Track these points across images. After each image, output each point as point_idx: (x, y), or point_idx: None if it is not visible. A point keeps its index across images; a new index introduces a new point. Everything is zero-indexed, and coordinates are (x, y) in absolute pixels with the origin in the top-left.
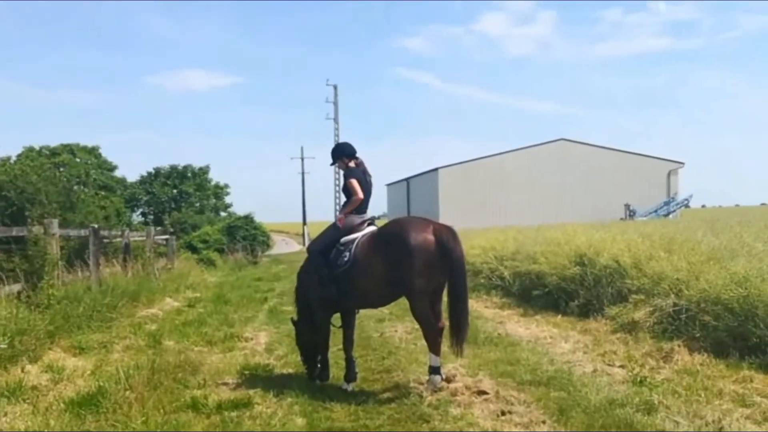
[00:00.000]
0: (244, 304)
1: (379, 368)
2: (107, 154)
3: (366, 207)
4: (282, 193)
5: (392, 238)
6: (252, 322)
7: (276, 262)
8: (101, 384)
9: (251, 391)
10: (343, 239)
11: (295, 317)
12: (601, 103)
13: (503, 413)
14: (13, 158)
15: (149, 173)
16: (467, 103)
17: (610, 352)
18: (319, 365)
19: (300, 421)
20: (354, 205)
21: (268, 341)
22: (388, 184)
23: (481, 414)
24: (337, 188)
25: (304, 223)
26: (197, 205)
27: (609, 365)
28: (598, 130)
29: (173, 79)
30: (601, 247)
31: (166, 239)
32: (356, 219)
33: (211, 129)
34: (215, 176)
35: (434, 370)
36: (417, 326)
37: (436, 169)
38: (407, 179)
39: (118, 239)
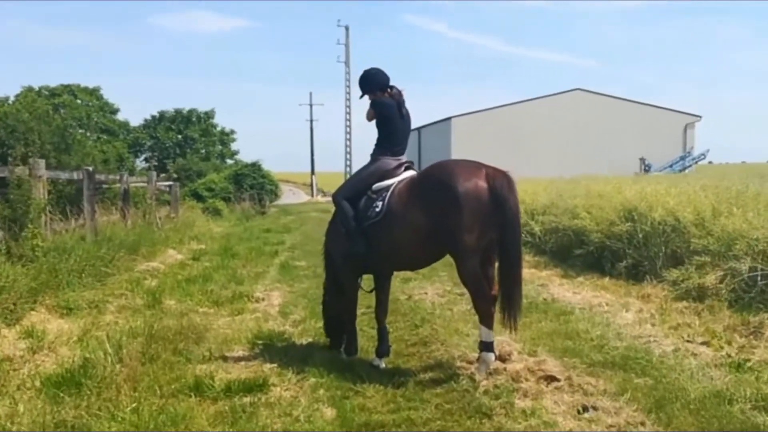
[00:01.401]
0: (253, 258)
1: (412, 339)
2: (109, 96)
3: (404, 147)
4: (289, 141)
5: (436, 184)
6: (262, 279)
7: (284, 212)
8: (87, 355)
9: (266, 368)
10: (375, 186)
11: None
12: (618, 56)
13: (585, 409)
14: (12, 99)
15: (153, 117)
16: (480, 52)
17: (684, 324)
18: (345, 336)
19: (329, 412)
20: None
21: (281, 302)
22: None
23: (557, 408)
24: (348, 137)
25: (312, 172)
26: (203, 151)
27: (688, 341)
28: (614, 84)
29: (179, 20)
30: (654, 201)
31: (170, 186)
32: (391, 161)
33: (217, 73)
34: (221, 122)
35: (486, 347)
36: (450, 288)
37: (449, 119)
38: (418, 129)
39: (117, 185)
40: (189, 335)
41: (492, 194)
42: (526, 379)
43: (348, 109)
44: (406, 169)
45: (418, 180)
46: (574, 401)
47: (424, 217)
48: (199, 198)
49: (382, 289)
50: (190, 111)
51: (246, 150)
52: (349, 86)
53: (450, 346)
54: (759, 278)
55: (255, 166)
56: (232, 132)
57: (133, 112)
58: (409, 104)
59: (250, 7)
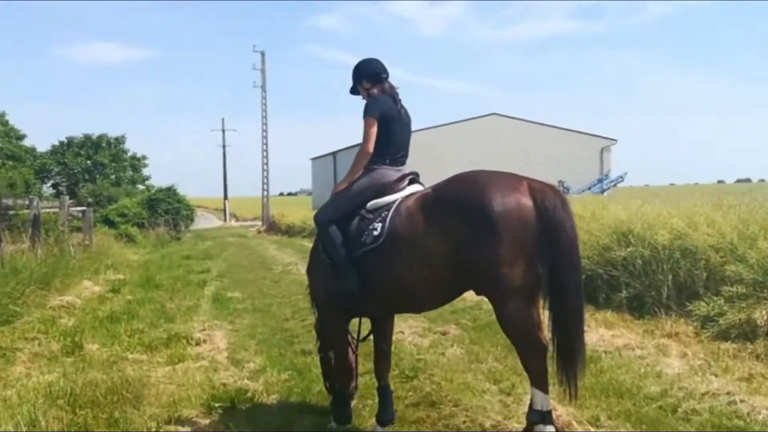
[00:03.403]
0: (179, 289)
1: (411, 397)
2: (15, 122)
3: (405, 154)
4: (202, 166)
5: (461, 201)
6: (196, 314)
7: (200, 238)
8: None
9: None
10: (371, 203)
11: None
12: (516, 85)
13: None
14: None
15: (61, 143)
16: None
17: (759, 375)
18: (337, 399)
19: None
20: (362, 163)
21: (228, 345)
22: (313, 159)
23: None
24: (266, 161)
25: (225, 197)
26: (113, 176)
27: None
28: (516, 112)
29: (81, 51)
30: (656, 222)
31: (83, 211)
32: (391, 172)
33: (127, 101)
34: (132, 147)
35: (543, 418)
36: (428, 326)
37: None
38: (334, 153)
39: (26, 210)
40: (123, 395)
41: (540, 215)
42: None
43: (265, 134)
44: (411, 182)
45: (435, 195)
46: None
47: (445, 245)
48: (110, 224)
49: (381, 336)
50: (100, 136)
51: (158, 175)
52: (265, 111)
53: (469, 410)
54: None
55: (170, 191)
56: (144, 157)
57: (40, 140)
58: (328, 132)
59: (158, 38)
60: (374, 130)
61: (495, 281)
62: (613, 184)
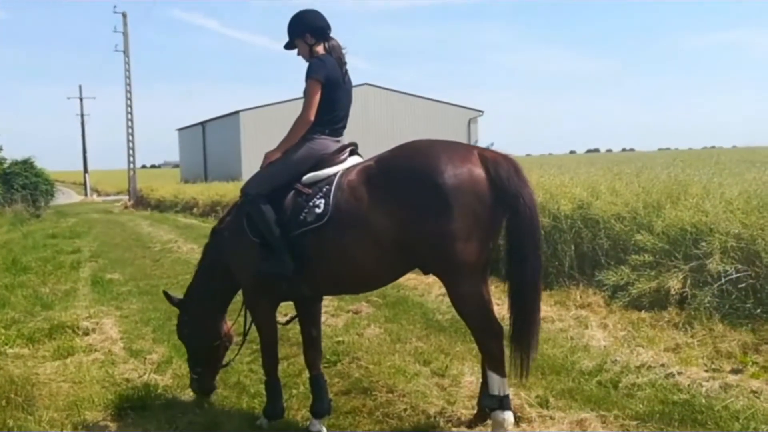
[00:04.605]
0: (51, 272)
1: (339, 384)
2: None
3: (344, 126)
4: (58, 137)
5: (409, 173)
6: (75, 300)
7: (62, 214)
8: None
9: None
10: (308, 176)
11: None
12: (387, 58)
13: None
14: None
15: None
16: (251, 50)
17: (685, 345)
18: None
19: None
20: (300, 131)
21: (121, 334)
22: (180, 129)
23: None
24: (131, 131)
25: (86, 171)
26: None
27: (716, 371)
28: (387, 83)
29: None
30: (557, 192)
31: None
32: (330, 143)
33: None
34: None
35: (501, 403)
36: (337, 303)
37: (237, 112)
38: (202, 123)
39: None
40: (11, 398)
41: (494, 186)
42: None
43: (129, 102)
44: (352, 153)
45: (379, 167)
46: None
47: (392, 221)
48: None
49: (309, 321)
50: None
51: (8, 148)
52: (129, 76)
53: (406, 395)
54: (734, 280)
55: (27, 164)
56: None
57: None
58: (198, 103)
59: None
60: (318, 96)
61: (448, 258)
62: None
